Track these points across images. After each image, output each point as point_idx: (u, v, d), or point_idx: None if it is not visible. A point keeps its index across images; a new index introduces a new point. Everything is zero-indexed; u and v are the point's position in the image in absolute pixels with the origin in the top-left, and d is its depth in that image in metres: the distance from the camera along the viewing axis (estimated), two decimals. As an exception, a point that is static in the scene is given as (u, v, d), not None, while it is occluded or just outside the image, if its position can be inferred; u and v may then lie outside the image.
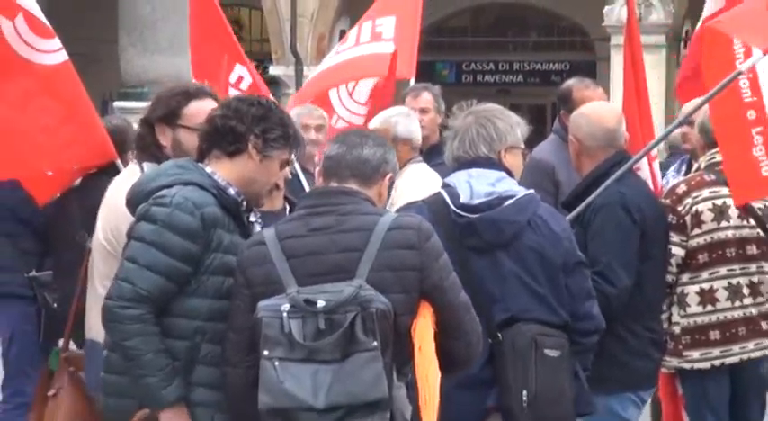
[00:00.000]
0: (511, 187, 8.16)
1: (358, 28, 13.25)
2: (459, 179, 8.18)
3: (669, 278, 9.53)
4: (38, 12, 10.79)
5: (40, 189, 10.52)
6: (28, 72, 10.81)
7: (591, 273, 8.74)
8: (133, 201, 7.47)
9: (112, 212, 7.87)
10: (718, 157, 10.34)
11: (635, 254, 9.55)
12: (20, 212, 11.39)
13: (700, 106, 10.56)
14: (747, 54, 10.74)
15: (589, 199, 9.14)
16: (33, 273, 11.12)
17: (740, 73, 10.40)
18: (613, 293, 9.07)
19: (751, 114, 10.47)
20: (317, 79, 12.84)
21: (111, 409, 7.49)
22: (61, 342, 9.47)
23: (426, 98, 12.68)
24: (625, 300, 9.35)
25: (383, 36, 12.61)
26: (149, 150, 8.32)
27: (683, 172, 10.81)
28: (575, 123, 10.01)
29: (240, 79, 12.69)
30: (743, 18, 11.47)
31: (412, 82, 12.49)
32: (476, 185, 8.07)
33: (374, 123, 11.15)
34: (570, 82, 13.80)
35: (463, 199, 8.03)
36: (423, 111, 11.61)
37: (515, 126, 8.75)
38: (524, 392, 7.76)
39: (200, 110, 8.22)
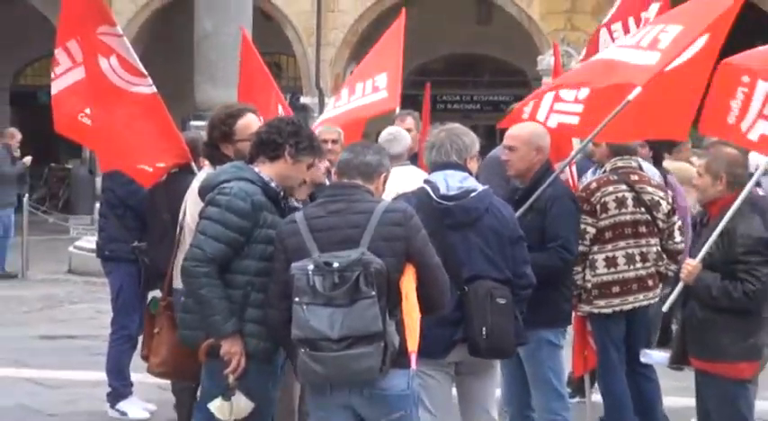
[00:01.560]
0: (474, 184, 8.23)
1: (363, 84, 13.25)
2: (437, 177, 8.19)
3: (583, 248, 9.67)
4: (131, 56, 10.81)
5: (142, 178, 10.74)
6: (126, 99, 10.82)
7: (556, 246, 9.10)
8: (203, 191, 7.51)
9: (195, 201, 7.81)
10: (619, 163, 10.43)
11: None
12: (127, 201, 11.37)
13: (596, 133, 10.44)
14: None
15: (537, 192, 9.15)
16: (136, 243, 11.12)
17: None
18: (571, 259, 9.28)
19: (745, 78, 10.18)
20: (337, 117, 12.59)
21: (186, 339, 7.54)
22: (153, 293, 9.45)
23: (410, 121, 12.98)
24: (574, 264, 9.62)
25: (380, 88, 12.77)
26: (218, 160, 8.25)
27: (597, 174, 10.81)
28: None
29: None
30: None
31: (397, 110, 12.77)
32: (450, 182, 8.11)
33: (390, 130, 11.23)
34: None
35: (442, 191, 8.05)
36: (408, 130, 11.85)
37: (475, 141, 8.75)
38: (483, 328, 7.75)
39: (245, 124, 8.35)
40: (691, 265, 8.14)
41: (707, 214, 8.58)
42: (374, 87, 11.22)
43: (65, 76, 10.81)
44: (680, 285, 8.24)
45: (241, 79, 13.02)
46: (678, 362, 8.56)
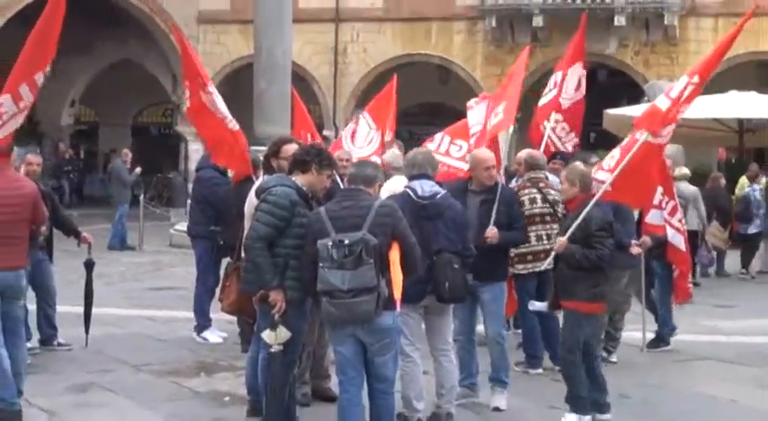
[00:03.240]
0: (439, 190, 8.17)
1: (368, 132, 12.90)
2: (415, 184, 8.11)
3: None
4: (223, 104, 10.70)
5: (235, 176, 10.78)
6: (224, 128, 10.70)
7: (519, 227, 9.18)
8: (258, 192, 7.46)
9: (251, 200, 7.81)
10: (532, 175, 10.37)
11: None
12: (207, 198, 11.32)
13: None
14: None
15: (498, 196, 9.01)
16: (212, 227, 11.08)
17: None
18: (521, 238, 9.25)
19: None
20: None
21: (246, 290, 7.52)
22: (226, 259, 9.40)
23: (398, 146, 12.22)
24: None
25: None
26: (269, 169, 8.19)
27: (518, 182, 10.73)
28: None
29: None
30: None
31: (388, 137, 12.56)
32: (424, 188, 8.04)
33: (386, 157, 11.25)
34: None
35: (419, 193, 8.01)
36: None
37: (438, 162, 8.82)
38: (446, 283, 7.77)
39: (287, 149, 8.21)
40: (561, 241, 8.33)
41: (566, 208, 8.92)
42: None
43: (188, 103, 10.94)
44: (553, 253, 8.56)
45: (294, 119, 13.56)
46: (554, 307, 8.74)
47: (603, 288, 8.47)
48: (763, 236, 18.80)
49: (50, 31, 8.88)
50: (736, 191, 22.72)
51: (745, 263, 19.40)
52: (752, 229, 19.18)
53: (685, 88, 9.35)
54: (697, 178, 18.71)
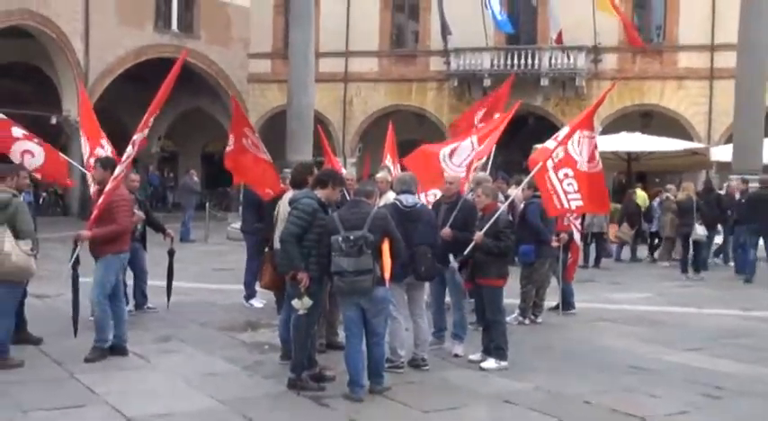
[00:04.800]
0: (418, 201, 8.22)
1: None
2: (402, 197, 8.06)
3: None
4: (260, 141, 10.68)
5: (265, 196, 10.45)
6: (259, 159, 10.61)
7: (474, 229, 8.50)
8: (291, 202, 7.26)
9: (284, 207, 7.70)
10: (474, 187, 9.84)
11: None
12: (253, 204, 11.09)
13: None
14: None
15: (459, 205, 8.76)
16: (257, 225, 10.93)
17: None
18: (471, 237, 8.44)
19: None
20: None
21: (282, 271, 7.29)
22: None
23: (388, 171, 11.66)
24: None
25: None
26: (298, 187, 8.06)
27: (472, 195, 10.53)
28: (448, 178, 9.57)
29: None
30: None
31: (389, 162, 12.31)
32: (408, 199, 7.99)
33: (378, 176, 10.53)
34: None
35: (404, 204, 7.94)
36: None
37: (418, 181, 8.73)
38: (422, 268, 7.73)
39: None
40: (479, 235, 8.23)
41: (482, 213, 8.61)
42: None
43: (231, 147, 10.60)
44: (471, 244, 8.29)
45: (323, 151, 12.64)
46: (470, 280, 8.55)
47: (507, 268, 8.50)
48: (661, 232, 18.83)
49: (164, 95, 8.89)
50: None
51: (651, 251, 19.53)
52: (653, 228, 19.45)
53: (568, 135, 9.59)
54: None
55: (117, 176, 8.27)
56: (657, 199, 19.93)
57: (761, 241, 16.21)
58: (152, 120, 8.87)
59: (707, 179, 20.99)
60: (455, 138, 11.01)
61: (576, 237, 11.60)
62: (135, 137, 8.60)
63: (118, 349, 8.21)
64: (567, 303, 11.54)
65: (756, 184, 17.58)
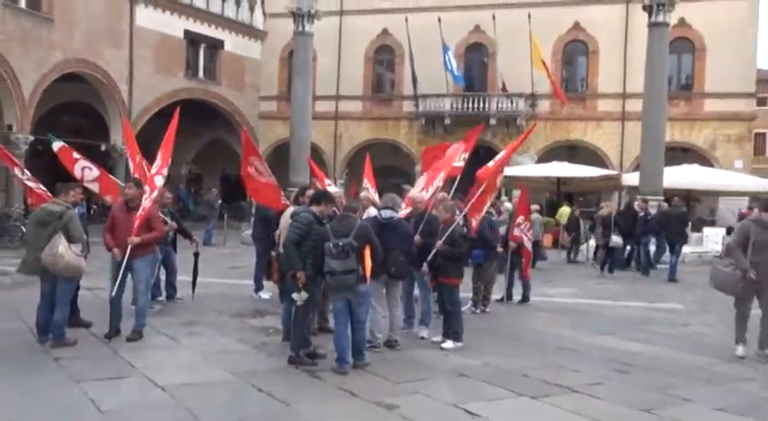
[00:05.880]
0: (395, 215, 7.98)
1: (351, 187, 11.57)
2: (382, 212, 7.95)
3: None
4: (266, 167, 10.58)
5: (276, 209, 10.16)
6: (265, 182, 10.49)
7: (429, 238, 8.37)
8: (293, 216, 7.23)
9: (286, 219, 7.64)
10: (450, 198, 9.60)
11: None
12: (269, 217, 10.52)
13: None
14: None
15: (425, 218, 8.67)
16: (265, 232, 10.67)
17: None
18: (434, 243, 8.36)
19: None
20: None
21: (284, 270, 7.23)
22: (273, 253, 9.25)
23: (368, 190, 11.44)
24: None
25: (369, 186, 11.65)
26: (298, 204, 8.08)
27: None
28: (414, 198, 9.25)
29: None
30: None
31: (367, 185, 12.15)
32: (386, 214, 7.86)
33: (363, 194, 10.55)
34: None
35: (383, 216, 7.84)
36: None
37: (400, 201, 8.71)
38: (394, 268, 7.62)
39: (307, 193, 8.29)
40: (439, 243, 8.19)
41: (443, 225, 8.47)
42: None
43: (243, 171, 10.46)
44: (433, 251, 8.24)
45: (314, 175, 12.22)
46: (434, 279, 8.49)
47: (463, 270, 8.49)
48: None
49: (170, 138, 9.03)
50: (556, 216, 22.84)
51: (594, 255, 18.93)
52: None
53: (502, 160, 9.52)
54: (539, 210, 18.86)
55: (152, 197, 8.27)
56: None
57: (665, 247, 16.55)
58: (169, 159, 9.15)
59: (628, 199, 20.99)
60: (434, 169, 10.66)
61: (528, 244, 11.59)
62: (163, 171, 8.75)
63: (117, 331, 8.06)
64: (525, 296, 11.68)
65: (655, 203, 17.88)
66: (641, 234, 16.87)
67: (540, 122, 27.64)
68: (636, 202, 18.29)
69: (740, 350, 8.12)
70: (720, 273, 8.21)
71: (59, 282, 7.52)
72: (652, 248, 17.10)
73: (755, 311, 8.24)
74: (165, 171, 8.99)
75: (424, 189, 9.72)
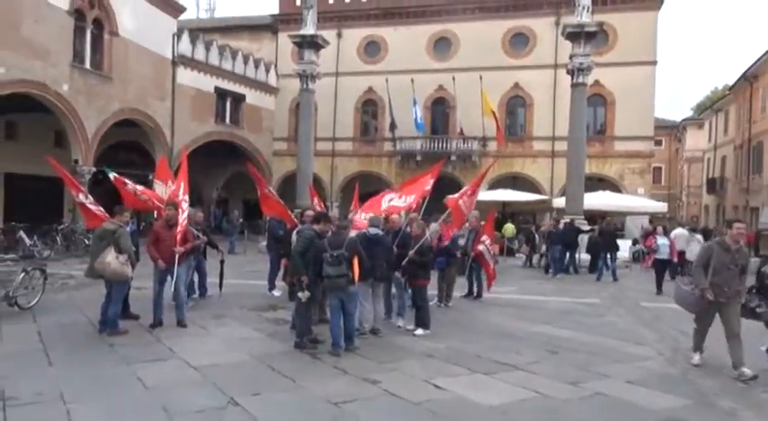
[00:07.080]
0: (380, 232, 7.80)
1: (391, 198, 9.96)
2: (369, 229, 7.81)
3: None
4: (274, 194, 10.23)
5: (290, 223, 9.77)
6: (279, 203, 10.01)
7: (404, 249, 8.20)
8: (298, 233, 7.19)
9: (294, 235, 7.53)
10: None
11: None
12: (277, 234, 10.65)
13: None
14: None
15: (400, 234, 8.59)
16: (277, 244, 10.56)
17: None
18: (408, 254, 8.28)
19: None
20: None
21: (292, 274, 7.02)
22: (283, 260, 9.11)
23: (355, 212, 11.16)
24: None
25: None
26: (302, 222, 7.99)
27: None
28: (393, 220, 9.03)
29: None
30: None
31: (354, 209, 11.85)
32: (372, 230, 7.73)
33: (351, 216, 10.05)
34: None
35: (370, 233, 7.69)
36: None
37: (383, 221, 8.41)
38: (378, 273, 7.58)
39: (308, 213, 8.14)
40: (411, 253, 8.10)
41: (415, 239, 8.33)
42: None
43: (264, 195, 10.01)
44: (407, 258, 8.10)
45: (314, 200, 11.21)
46: (408, 284, 8.46)
47: (429, 273, 8.36)
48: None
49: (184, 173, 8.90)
50: (502, 231, 22.87)
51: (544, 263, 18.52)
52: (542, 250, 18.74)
53: (465, 192, 9.48)
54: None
55: (184, 216, 8.26)
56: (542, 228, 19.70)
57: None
58: (187, 187, 8.97)
59: (559, 219, 20.90)
60: (393, 192, 10.50)
61: (488, 256, 11.32)
62: (185, 197, 8.66)
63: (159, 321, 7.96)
64: (479, 294, 11.58)
65: (577, 220, 18.04)
66: (553, 244, 16.96)
67: (490, 159, 27.75)
68: (571, 219, 18.35)
69: (696, 358, 6.93)
70: (681, 291, 6.77)
71: (113, 284, 7.56)
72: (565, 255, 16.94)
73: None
74: (186, 197, 8.81)
75: (401, 205, 9.56)
